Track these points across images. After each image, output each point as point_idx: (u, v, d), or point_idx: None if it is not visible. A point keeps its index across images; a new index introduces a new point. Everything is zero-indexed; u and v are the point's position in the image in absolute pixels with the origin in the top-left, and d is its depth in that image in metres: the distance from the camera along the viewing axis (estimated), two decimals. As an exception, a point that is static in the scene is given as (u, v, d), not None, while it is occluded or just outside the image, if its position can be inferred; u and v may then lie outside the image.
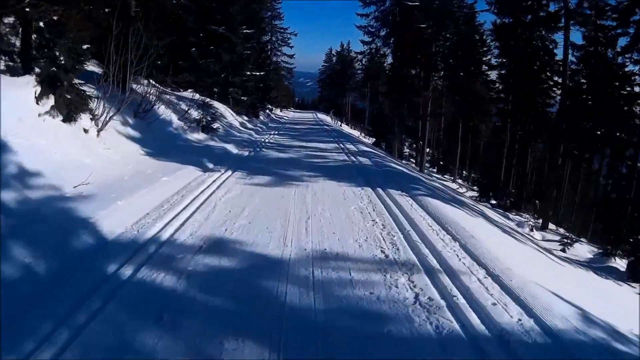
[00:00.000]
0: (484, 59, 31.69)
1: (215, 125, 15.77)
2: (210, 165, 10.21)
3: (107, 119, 9.89)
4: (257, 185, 8.41)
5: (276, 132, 21.87)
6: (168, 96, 17.10)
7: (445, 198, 9.32)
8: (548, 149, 29.14)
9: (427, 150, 36.53)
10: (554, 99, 27.51)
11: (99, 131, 9.68)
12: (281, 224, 5.97)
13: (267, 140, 17.28)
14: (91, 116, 9.68)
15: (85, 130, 9.27)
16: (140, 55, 10.49)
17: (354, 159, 12.86)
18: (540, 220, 26.88)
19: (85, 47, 9.51)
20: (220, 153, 12.45)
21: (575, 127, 25.91)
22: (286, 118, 39.27)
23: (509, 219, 18.78)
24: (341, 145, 16.99)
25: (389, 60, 32.20)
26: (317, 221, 6.16)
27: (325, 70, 64.45)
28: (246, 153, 13.10)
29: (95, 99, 9.87)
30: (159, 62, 21.48)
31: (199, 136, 14.64)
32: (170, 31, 20.98)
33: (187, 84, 21.58)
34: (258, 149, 14.19)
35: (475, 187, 33.05)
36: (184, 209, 6.51)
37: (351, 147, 16.53)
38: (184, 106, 16.05)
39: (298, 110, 61.85)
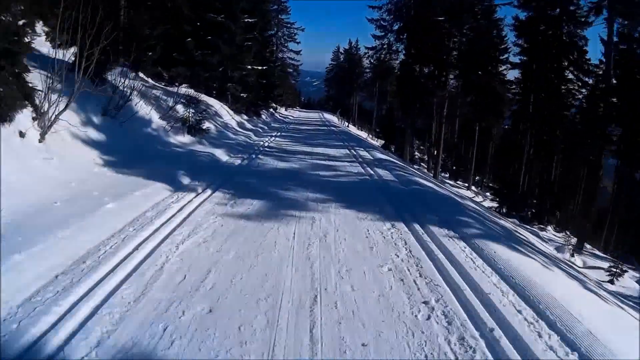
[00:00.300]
0: (501, 57, 28.85)
1: (205, 126, 13.05)
2: (186, 181, 7.51)
3: (52, 118, 7.23)
4: (240, 217, 5.66)
5: (278, 134, 19.09)
6: (155, 91, 14.41)
7: (504, 237, 6.55)
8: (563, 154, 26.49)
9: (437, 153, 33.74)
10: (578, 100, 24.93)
11: (43, 134, 7.06)
12: (266, 317, 3.22)
13: (266, 144, 14.52)
14: (34, 115, 7.11)
15: (22, 134, 6.69)
16: (94, 34, 7.68)
17: (371, 172, 10.10)
18: (559, 232, 24.23)
19: (21, 23, 6.95)
20: (205, 161, 9.74)
21: (601, 131, 23.38)
22: (291, 117, 36.46)
23: (539, 237, 16.18)
24: (353, 151, 14.21)
25: (401, 56, 29.24)
26: (330, 308, 3.39)
27: (333, 68, 61.47)
28: (238, 161, 10.37)
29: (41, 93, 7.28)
30: (149, 53, 19.15)
31: (183, 139, 11.92)
32: (165, 19, 18.60)
33: (183, 78, 18.99)
34: (254, 156, 11.46)
35: (489, 193, 30.48)
36: (112, 270, 3.84)
37: (364, 154, 13.76)
38: (171, 102, 13.32)
39: (304, 110, 58.95)
